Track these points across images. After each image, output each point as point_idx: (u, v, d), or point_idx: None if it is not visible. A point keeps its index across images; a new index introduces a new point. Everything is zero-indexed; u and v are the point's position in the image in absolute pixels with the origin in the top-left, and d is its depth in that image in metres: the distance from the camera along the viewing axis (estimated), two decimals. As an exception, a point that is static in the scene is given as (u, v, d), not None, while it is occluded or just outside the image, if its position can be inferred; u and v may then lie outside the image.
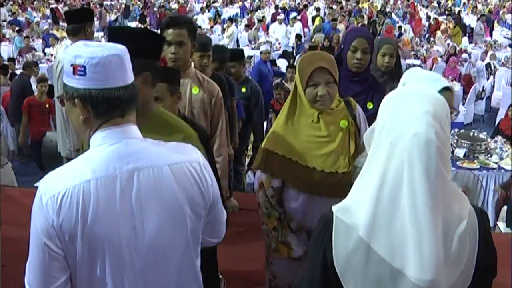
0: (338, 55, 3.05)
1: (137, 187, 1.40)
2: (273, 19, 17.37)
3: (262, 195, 2.46)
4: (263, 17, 18.25)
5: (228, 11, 21.79)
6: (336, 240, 1.29)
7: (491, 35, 16.67)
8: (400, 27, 16.74)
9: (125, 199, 1.39)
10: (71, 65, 1.39)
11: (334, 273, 1.30)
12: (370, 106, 2.91)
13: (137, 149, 1.43)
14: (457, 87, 9.95)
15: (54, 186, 1.38)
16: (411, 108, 1.27)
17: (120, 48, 1.44)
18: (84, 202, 1.36)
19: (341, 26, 13.95)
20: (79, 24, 4.07)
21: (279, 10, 19.74)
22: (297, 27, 15.05)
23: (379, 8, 21.59)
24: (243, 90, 4.79)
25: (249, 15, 19.22)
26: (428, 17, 19.13)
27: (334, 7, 20.59)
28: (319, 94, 2.30)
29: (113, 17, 20.27)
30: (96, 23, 17.65)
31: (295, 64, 10.94)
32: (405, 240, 1.22)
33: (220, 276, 3.59)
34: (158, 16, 19.34)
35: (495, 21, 19.51)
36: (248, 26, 16.13)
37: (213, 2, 24.38)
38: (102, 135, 1.43)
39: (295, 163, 2.35)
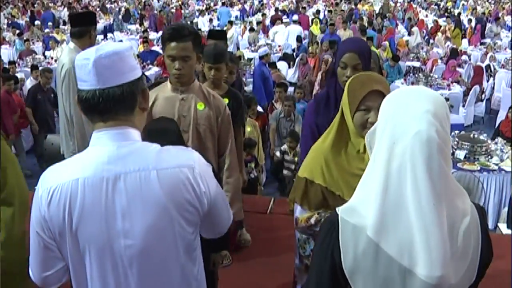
0: (332, 67, 2.73)
1: (123, 190, 1.41)
2: (273, 22, 17.38)
3: (299, 231, 2.28)
4: (282, 20, 17.98)
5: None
6: (343, 241, 1.30)
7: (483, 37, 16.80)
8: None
9: (111, 201, 1.41)
10: None
11: (342, 274, 1.30)
12: None
13: (127, 152, 1.44)
14: (457, 89, 9.97)
15: (49, 180, 1.44)
16: (411, 108, 1.28)
17: (99, 51, 1.44)
18: (71, 200, 1.40)
19: (341, 32, 13.73)
20: (84, 27, 4.12)
21: (279, 13, 19.75)
22: (295, 29, 15.03)
23: (377, 11, 21.58)
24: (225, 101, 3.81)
25: (263, 17, 19.04)
26: (409, 19, 19.07)
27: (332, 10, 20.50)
28: (370, 121, 2.01)
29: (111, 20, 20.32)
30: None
31: (296, 64, 10.96)
32: (413, 238, 1.23)
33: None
34: (156, 19, 19.41)
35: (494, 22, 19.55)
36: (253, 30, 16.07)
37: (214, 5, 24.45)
38: (97, 136, 1.47)
39: (338, 197, 2.09)
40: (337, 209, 1.36)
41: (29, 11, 21.26)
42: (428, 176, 1.22)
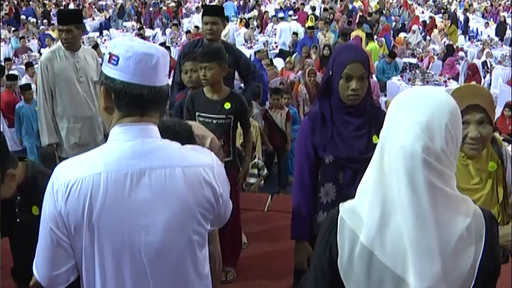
0: (326, 82, 2.35)
1: (147, 186, 1.40)
2: (265, 21, 17.39)
3: None
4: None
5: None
6: (340, 242, 1.30)
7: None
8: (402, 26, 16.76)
9: (134, 196, 1.40)
10: (109, 53, 1.44)
11: (338, 271, 1.31)
12: (376, 140, 2.26)
13: (152, 148, 1.44)
14: (454, 85, 9.98)
15: (66, 174, 1.40)
16: (404, 118, 1.25)
17: (159, 50, 1.46)
18: (92, 194, 1.37)
19: (320, 35, 13.27)
20: (71, 25, 4.08)
21: (276, 10, 19.73)
22: (286, 26, 14.99)
23: (375, 7, 21.53)
24: (227, 106, 3.33)
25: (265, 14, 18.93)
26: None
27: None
28: (470, 136, 1.92)
29: (107, 16, 20.27)
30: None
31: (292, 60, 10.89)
32: (405, 248, 1.22)
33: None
34: (152, 14, 19.44)
35: (491, 19, 19.59)
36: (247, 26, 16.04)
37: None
38: (119, 130, 1.44)
39: None
40: (340, 205, 1.36)
41: (13, 8, 20.92)
42: (410, 190, 1.20)
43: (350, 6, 20.89)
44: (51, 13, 19.98)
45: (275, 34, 15.14)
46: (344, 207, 1.35)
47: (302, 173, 2.39)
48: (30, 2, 22.69)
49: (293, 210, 2.45)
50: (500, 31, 16.64)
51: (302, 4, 20.89)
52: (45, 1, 22.60)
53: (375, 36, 13.80)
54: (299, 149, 2.43)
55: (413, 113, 1.24)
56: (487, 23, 18.53)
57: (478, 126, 1.93)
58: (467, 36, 17.30)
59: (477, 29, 18.62)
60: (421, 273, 1.20)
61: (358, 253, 1.27)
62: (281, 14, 17.34)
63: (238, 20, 17.71)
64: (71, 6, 21.49)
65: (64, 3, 23.17)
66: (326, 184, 2.34)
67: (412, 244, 1.21)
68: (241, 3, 23.24)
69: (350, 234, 1.29)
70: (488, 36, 16.20)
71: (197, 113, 3.28)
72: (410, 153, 1.20)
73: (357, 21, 15.37)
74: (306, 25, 15.14)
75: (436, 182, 1.21)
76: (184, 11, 21.46)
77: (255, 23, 16.72)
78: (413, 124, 1.22)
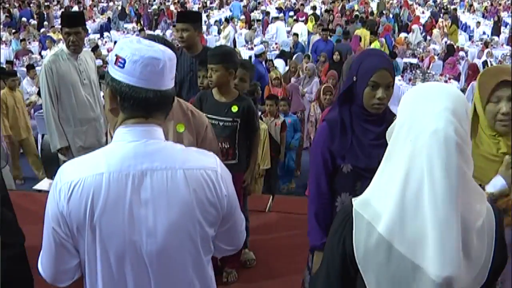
0: (347, 88, 2.25)
1: (149, 187, 1.41)
2: (266, 24, 17.41)
3: None
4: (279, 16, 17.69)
5: (225, 12, 21.76)
6: (356, 236, 1.30)
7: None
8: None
9: (136, 197, 1.40)
10: (115, 54, 1.44)
11: (352, 264, 1.31)
12: None
13: (154, 150, 1.44)
14: (455, 85, 9.98)
15: (69, 174, 1.41)
16: (430, 105, 1.26)
17: (166, 54, 1.45)
18: (94, 194, 1.38)
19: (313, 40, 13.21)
20: (78, 27, 4.11)
21: (276, 10, 19.72)
22: (281, 25, 15.01)
23: (376, 12, 21.52)
24: (234, 109, 3.33)
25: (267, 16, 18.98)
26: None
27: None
28: (501, 112, 1.96)
29: (106, 18, 20.34)
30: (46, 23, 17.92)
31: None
32: (427, 237, 1.22)
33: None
34: (151, 15, 19.51)
35: (491, 19, 19.58)
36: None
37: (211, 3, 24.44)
38: (124, 131, 1.45)
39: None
40: (353, 199, 1.36)
41: (6, 10, 20.86)
42: (445, 175, 1.20)
43: (347, 6, 20.91)
44: (45, 15, 20.04)
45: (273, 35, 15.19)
46: (358, 201, 1.35)
47: (319, 181, 2.31)
48: (31, 5, 22.71)
49: (310, 220, 2.36)
50: (495, 30, 16.69)
51: (302, 5, 20.87)
52: (46, 3, 22.61)
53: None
54: (315, 156, 2.32)
55: (440, 99, 1.26)
56: (478, 22, 18.60)
57: (508, 102, 1.97)
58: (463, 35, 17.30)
59: (478, 30, 18.64)
60: (443, 262, 1.20)
61: (376, 245, 1.27)
62: (276, 14, 17.40)
63: (240, 21, 17.75)
64: (75, 8, 21.52)
65: (65, 5, 23.20)
66: (342, 194, 2.27)
67: (438, 231, 1.20)
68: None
69: (367, 227, 1.29)
70: (488, 35, 16.21)
71: (203, 114, 3.27)
72: (444, 137, 1.21)
73: (351, 18, 15.41)
74: (306, 25, 15.15)
75: (465, 168, 1.23)
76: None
77: (256, 25, 16.72)
78: (442, 109, 1.24)
